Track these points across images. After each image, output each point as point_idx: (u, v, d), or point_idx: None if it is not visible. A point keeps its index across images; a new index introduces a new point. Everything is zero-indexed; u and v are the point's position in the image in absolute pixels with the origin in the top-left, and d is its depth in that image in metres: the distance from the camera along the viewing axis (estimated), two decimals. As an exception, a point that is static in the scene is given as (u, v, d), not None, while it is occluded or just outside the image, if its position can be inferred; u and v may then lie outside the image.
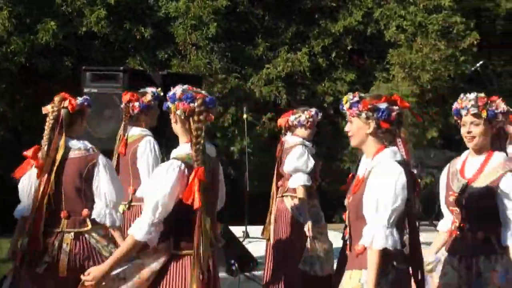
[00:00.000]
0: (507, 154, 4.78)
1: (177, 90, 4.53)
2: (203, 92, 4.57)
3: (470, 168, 4.75)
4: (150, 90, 6.91)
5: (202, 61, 13.78)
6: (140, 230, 4.35)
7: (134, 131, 6.79)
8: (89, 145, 5.41)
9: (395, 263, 3.96)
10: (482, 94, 4.81)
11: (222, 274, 8.03)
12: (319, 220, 7.33)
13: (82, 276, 4.43)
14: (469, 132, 4.71)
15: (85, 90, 7.81)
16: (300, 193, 7.23)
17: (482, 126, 4.68)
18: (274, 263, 7.49)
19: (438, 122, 14.42)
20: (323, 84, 14.75)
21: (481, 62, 11.79)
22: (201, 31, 13.99)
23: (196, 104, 4.45)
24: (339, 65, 14.96)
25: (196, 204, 4.32)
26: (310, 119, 7.40)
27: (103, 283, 4.41)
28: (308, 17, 15.10)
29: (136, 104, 6.78)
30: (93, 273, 4.40)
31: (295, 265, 7.20)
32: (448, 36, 14.27)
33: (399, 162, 4.01)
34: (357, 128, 4.11)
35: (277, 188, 7.52)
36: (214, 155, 4.65)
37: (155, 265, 4.44)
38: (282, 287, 7.35)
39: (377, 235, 3.87)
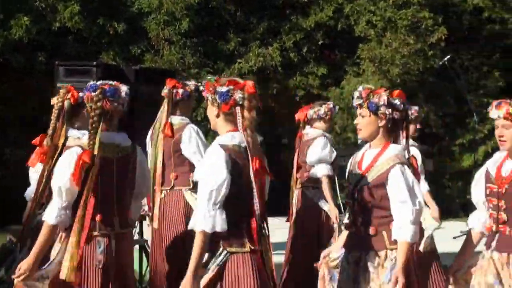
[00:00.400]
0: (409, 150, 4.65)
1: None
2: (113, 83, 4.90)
3: (367, 160, 4.60)
4: (193, 82, 7.00)
5: (175, 56, 13.75)
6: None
7: (174, 119, 6.78)
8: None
9: None
10: (369, 86, 4.73)
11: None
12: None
13: (13, 276, 4.54)
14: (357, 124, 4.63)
15: (58, 84, 7.64)
16: (325, 182, 7.29)
17: (367, 117, 4.57)
18: (296, 251, 7.50)
19: (408, 116, 14.40)
20: (295, 78, 14.73)
21: (448, 56, 11.80)
22: (174, 26, 13.96)
23: (95, 93, 4.80)
24: (311, 59, 14.96)
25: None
26: (329, 112, 7.50)
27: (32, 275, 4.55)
28: (280, 12, 15.10)
29: (180, 91, 6.82)
30: (23, 267, 4.55)
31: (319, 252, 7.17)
32: (416, 31, 14.27)
33: None
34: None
35: (296, 179, 7.54)
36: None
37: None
38: (304, 276, 7.28)
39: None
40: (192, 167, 6.63)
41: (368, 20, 14.54)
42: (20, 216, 5.54)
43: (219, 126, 4.33)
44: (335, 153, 7.41)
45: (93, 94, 4.83)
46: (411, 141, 7.56)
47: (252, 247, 4.22)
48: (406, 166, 4.49)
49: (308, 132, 7.51)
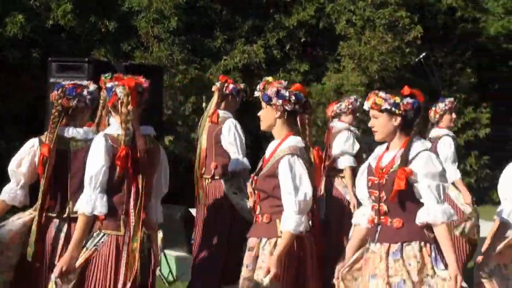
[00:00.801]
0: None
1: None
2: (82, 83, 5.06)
3: (268, 151, 4.70)
4: (243, 84, 7.36)
5: (163, 53, 13.72)
6: None
7: (219, 112, 6.97)
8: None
9: None
10: (268, 78, 4.87)
11: (183, 254, 8.02)
12: None
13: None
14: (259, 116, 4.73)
15: (51, 80, 7.67)
16: (347, 173, 7.49)
17: (264, 109, 4.69)
18: (328, 238, 7.55)
19: (385, 110, 14.46)
20: (278, 75, 14.71)
21: (424, 54, 11.90)
22: (163, 24, 13.93)
23: (57, 92, 5.04)
24: (293, 56, 14.97)
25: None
26: (350, 106, 7.70)
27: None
28: (264, 11, 15.09)
29: (231, 86, 7.04)
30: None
31: (341, 238, 7.33)
32: (394, 30, 14.33)
33: None
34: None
35: (325, 168, 7.69)
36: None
37: None
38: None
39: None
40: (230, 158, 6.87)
41: (348, 19, 14.59)
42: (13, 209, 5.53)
43: (110, 118, 4.58)
44: (358, 145, 7.57)
45: (55, 93, 5.06)
46: (446, 131, 7.80)
47: (124, 231, 4.38)
48: (296, 157, 4.51)
49: (334, 125, 7.75)
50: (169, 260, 7.84)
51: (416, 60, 12.73)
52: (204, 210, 6.87)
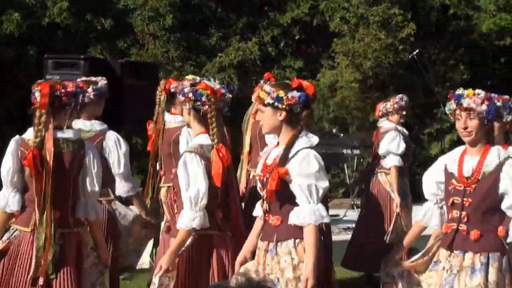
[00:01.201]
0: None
1: None
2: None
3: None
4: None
5: (159, 50, 13.69)
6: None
7: None
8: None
9: None
10: (193, 76, 5.08)
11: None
12: (406, 197, 7.72)
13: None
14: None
15: (47, 77, 7.64)
16: (392, 173, 7.61)
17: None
18: (365, 230, 7.88)
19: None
20: (273, 71, 14.68)
21: (417, 51, 11.84)
22: (158, 22, 13.91)
23: None
24: (288, 53, 14.94)
25: None
26: (395, 105, 7.79)
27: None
28: (258, 9, 15.06)
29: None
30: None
31: (382, 234, 7.47)
32: (387, 27, 14.29)
33: None
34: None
35: (373, 166, 7.97)
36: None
37: None
38: (369, 252, 7.58)
39: None
40: None
41: (342, 16, 14.54)
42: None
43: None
44: (404, 145, 7.65)
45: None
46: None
47: (32, 228, 4.45)
48: (194, 155, 4.48)
49: (382, 125, 7.87)
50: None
51: (409, 57, 12.67)
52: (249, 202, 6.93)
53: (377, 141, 7.87)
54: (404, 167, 7.73)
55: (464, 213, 4.31)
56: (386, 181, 7.73)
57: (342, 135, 12.10)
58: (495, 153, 4.30)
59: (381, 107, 7.89)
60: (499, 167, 4.27)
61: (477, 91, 4.39)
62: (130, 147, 6.27)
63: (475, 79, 15.52)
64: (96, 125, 5.90)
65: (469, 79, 15.21)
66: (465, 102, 4.28)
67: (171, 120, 6.46)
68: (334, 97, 14.30)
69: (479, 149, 4.34)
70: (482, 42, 15.43)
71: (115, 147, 5.91)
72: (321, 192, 4.12)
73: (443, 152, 12.79)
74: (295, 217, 4.10)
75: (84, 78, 6.40)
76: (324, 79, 14.34)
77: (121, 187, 5.97)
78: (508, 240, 4.24)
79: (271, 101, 4.17)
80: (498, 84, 15.97)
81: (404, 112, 7.85)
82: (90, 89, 5.73)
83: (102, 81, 5.99)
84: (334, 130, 12.52)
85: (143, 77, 8.46)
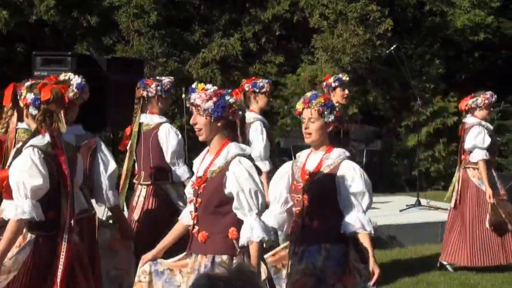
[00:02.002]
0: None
1: None
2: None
3: None
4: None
5: (144, 47, 13.66)
6: None
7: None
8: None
9: None
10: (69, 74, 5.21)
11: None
12: (496, 188, 7.84)
13: None
14: None
15: (36, 73, 7.62)
16: (480, 166, 7.75)
17: None
18: (457, 224, 7.99)
19: (358, 100, 14.50)
20: (254, 66, 14.72)
21: (394, 46, 11.88)
22: (143, 19, 13.86)
23: None
24: (269, 49, 14.95)
25: None
26: (486, 101, 7.84)
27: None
28: (240, 6, 15.05)
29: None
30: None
31: (478, 226, 7.78)
32: (365, 23, 14.33)
33: None
34: None
35: (461, 161, 8.05)
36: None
37: None
38: (465, 245, 7.88)
39: None
40: None
41: (321, 12, 14.56)
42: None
43: None
44: (489, 139, 7.75)
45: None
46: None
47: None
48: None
49: (467, 120, 7.93)
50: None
51: (387, 51, 12.72)
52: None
53: (462, 137, 7.97)
54: (491, 159, 7.87)
55: (194, 214, 4.21)
56: (475, 174, 7.86)
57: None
58: (226, 151, 4.15)
59: (470, 101, 7.91)
60: (227, 165, 4.12)
61: (207, 86, 4.25)
62: (116, 142, 6.35)
63: (450, 72, 15.64)
64: (155, 119, 6.46)
65: (444, 73, 15.31)
66: (192, 98, 4.16)
67: (148, 120, 6.54)
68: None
69: (216, 145, 4.19)
70: (457, 38, 15.52)
71: (166, 139, 6.37)
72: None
73: (419, 143, 12.90)
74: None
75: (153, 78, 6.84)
76: (304, 73, 14.38)
77: (174, 173, 6.39)
78: (240, 243, 4.05)
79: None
80: (472, 77, 16.10)
81: (491, 109, 7.99)
82: (153, 85, 6.38)
83: (166, 79, 6.45)
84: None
85: (129, 73, 8.45)
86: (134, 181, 6.62)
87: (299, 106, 4.54)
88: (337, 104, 6.30)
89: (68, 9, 13.65)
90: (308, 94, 4.55)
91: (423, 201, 11.01)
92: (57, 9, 13.34)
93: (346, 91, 7.52)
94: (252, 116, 6.67)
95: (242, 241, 4.03)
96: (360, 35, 14.14)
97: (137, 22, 13.81)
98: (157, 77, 6.90)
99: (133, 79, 7.16)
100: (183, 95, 11.00)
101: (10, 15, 12.89)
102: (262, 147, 6.68)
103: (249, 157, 4.17)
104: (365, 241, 4.36)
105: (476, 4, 15.35)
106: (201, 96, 4.10)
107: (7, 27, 12.90)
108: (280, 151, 13.08)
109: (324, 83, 7.63)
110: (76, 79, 5.56)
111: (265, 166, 6.66)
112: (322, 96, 4.53)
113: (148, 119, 6.57)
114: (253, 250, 3.99)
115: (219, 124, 4.12)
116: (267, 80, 7.01)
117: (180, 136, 6.53)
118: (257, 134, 6.67)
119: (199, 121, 4.13)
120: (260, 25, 14.72)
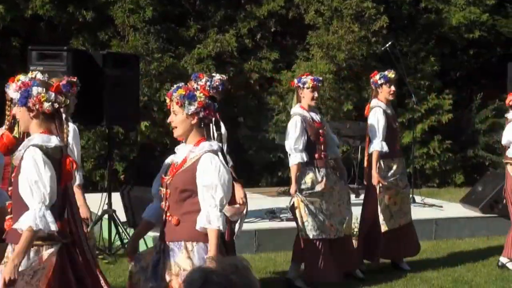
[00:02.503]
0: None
1: None
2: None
3: None
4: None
5: (139, 42, 13.63)
6: None
7: None
8: None
9: None
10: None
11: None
12: None
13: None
14: None
15: (31, 68, 7.62)
16: None
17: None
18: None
19: (353, 96, 14.52)
20: (250, 63, 14.71)
21: (389, 43, 11.88)
22: (138, 14, 13.84)
23: None
24: (264, 45, 14.95)
25: None
26: None
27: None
28: (235, 2, 15.03)
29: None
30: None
31: None
32: (360, 20, 14.34)
33: None
34: None
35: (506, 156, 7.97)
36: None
37: None
38: None
39: None
40: None
41: (317, 9, 14.57)
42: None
43: None
44: None
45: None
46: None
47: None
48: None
49: (508, 116, 7.89)
50: (146, 240, 7.80)
51: (382, 48, 12.72)
52: None
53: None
54: None
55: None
56: None
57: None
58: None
59: None
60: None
61: (20, 76, 4.38)
62: (111, 136, 6.33)
63: (445, 70, 15.66)
64: None
65: (439, 70, 15.33)
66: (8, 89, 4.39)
67: None
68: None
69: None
70: (452, 35, 15.54)
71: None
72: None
73: (415, 140, 12.92)
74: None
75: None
76: (299, 70, 14.37)
77: None
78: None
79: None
80: (466, 75, 16.12)
81: None
82: (204, 80, 6.35)
83: (218, 76, 6.49)
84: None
85: (124, 68, 8.46)
86: None
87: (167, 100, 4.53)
88: (380, 101, 6.56)
89: (64, 4, 13.62)
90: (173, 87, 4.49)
91: (418, 198, 11.02)
92: (52, 4, 13.32)
93: (393, 88, 7.74)
94: (293, 111, 7.21)
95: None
96: (356, 32, 14.16)
97: (133, 17, 13.80)
98: (212, 74, 7.06)
99: (128, 74, 7.18)
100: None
101: (5, 9, 12.87)
102: (294, 140, 7.01)
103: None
104: (211, 237, 4.21)
105: (471, 2, 15.37)
106: (13, 87, 4.30)
107: (3, 21, 12.89)
108: (275, 147, 13.09)
109: (371, 80, 7.80)
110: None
111: (295, 158, 6.99)
112: (184, 88, 4.42)
113: None
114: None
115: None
116: (311, 76, 7.31)
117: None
118: (291, 128, 7.07)
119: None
120: (256, 21, 14.71)
